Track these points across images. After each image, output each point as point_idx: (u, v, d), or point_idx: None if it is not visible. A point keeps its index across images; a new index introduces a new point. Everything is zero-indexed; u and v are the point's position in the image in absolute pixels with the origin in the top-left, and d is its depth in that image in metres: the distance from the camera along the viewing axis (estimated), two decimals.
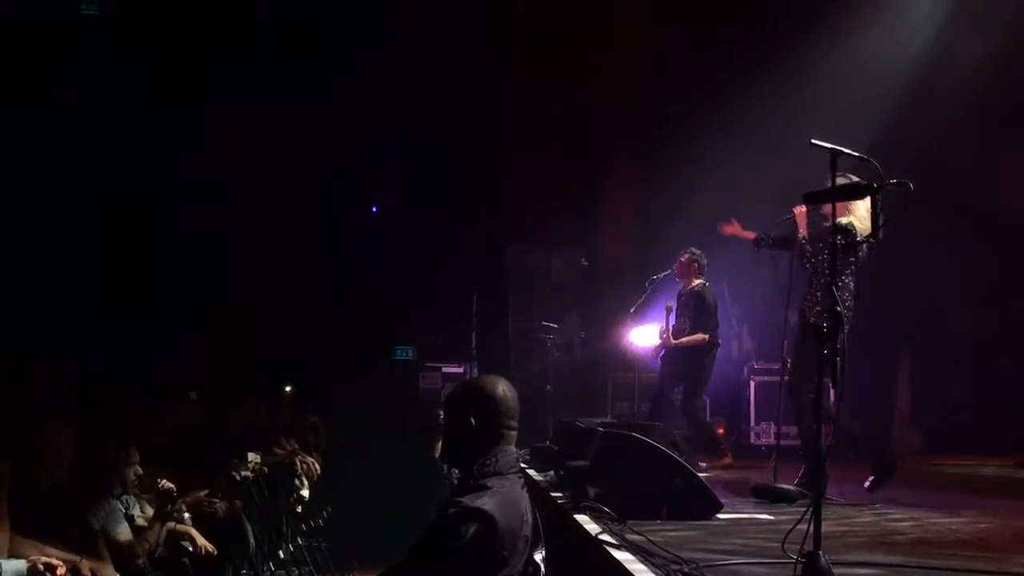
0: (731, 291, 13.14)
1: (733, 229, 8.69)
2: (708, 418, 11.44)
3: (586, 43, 14.38)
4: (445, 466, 13.14)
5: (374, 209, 15.80)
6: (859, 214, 7.49)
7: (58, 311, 11.92)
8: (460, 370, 15.26)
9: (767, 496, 7.38)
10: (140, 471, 6.76)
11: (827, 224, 7.65)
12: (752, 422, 12.87)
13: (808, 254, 7.66)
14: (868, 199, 7.43)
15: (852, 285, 7.62)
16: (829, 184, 4.41)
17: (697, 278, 10.43)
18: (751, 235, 8.50)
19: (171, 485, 6.72)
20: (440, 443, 13.36)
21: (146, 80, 13.92)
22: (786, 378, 8.30)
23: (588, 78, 14.62)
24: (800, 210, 7.78)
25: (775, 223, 8.25)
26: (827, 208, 7.62)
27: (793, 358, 8.16)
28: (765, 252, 8.58)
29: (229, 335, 13.86)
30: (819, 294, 7.56)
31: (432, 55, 14.62)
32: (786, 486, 7.53)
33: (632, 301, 10.58)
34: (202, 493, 7.53)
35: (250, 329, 14.09)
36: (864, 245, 7.48)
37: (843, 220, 7.55)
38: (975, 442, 12.11)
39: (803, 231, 7.74)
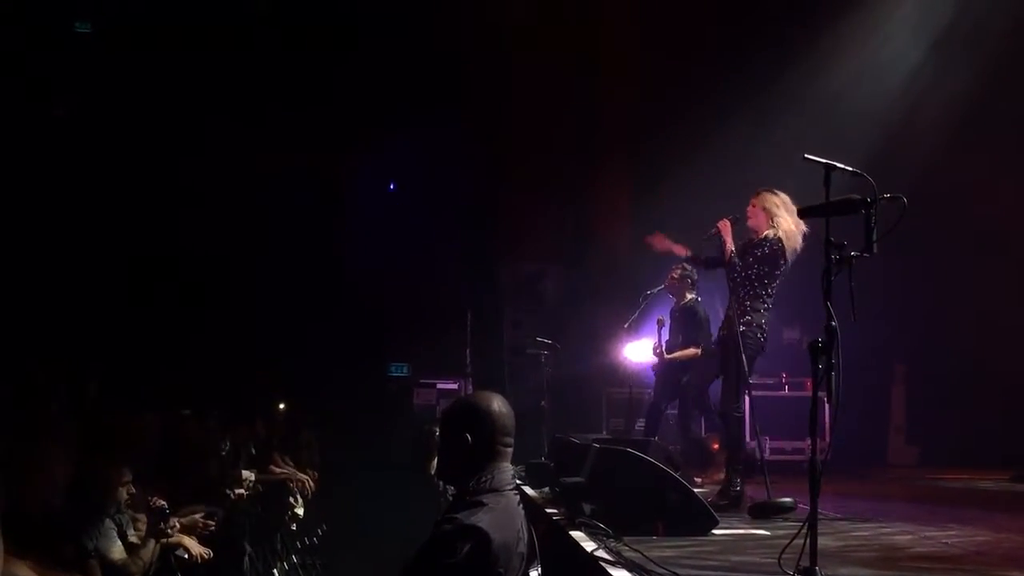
0: (724, 306, 13.13)
1: (661, 243, 8.67)
2: (703, 433, 11.43)
3: (579, 64, 14.44)
4: (440, 483, 13.14)
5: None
6: (785, 227, 7.59)
7: (53, 324, 11.89)
8: (455, 386, 15.24)
9: (765, 513, 7.36)
10: (133, 490, 6.73)
11: (754, 237, 7.76)
12: (747, 437, 12.82)
13: (738, 267, 7.75)
14: (787, 212, 7.65)
15: (773, 298, 7.75)
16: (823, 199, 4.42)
17: (689, 293, 10.44)
18: (682, 250, 8.52)
19: (163, 502, 6.70)
20: (435, 460, 13.40)
21: (141, 93, 13.93)
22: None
23: (581, 98, 14.66)
24: (725, 225, 7.87)
25: (703, 239, 8.32)
26: (751, 222, 7.77)
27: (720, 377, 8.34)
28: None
29: (223, 351, 13.83)
30: (748, 304, 7.63)
31: (429, 76, 14.67)
32: (782, 499, 7.53)
33: (626, 317, 10.59)
34: (198, 515, 7.48)
35: (245, 346, 14.05)
36: (787, 258, 7.61)
37: (769, 233, 7.64)
38: (970, 456, 12.12)
39: (730, 245, 7.87)
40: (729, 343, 7.80)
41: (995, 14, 11.87)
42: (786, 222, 7.70)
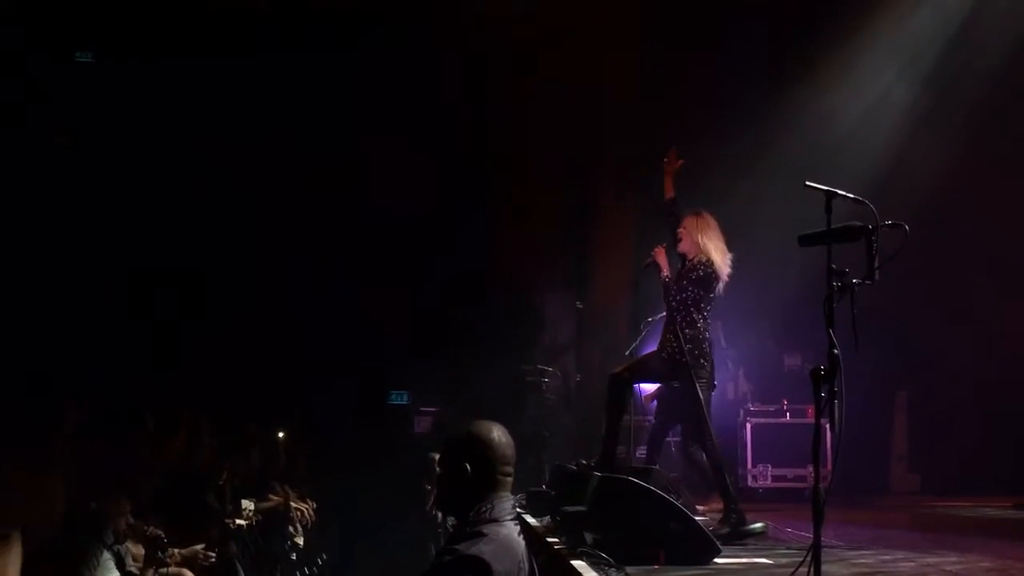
0: (726, 333, 13.13)
1: (661, 258, 8.57)
2: (705, 460, 11.38)
3: (580, 88, 14.47)
4: (439, 513, 13.11)
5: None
6: (713, 249, 7.62)
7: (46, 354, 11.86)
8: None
9: (734, 538, 7.36)
10: (132, 520, 6.71)
11: (689, 260, 7.77)
12: (749, 464, 12.80)
13: (673, 292, 7.77)
14: (714, 234, 7.69)
15: (708, 322, 7.76)
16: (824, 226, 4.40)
17: None
18: (671, 195, 8.43)
19: (159, 532, 6.68)
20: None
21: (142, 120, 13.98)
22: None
23: (581, 123, 14.69)
24: (660, 252, 7.96)
25: (641, 268, 8.37)
26: (681, 246, 7.80)
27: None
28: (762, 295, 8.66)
29: (221, 380, 13.80)
30: (686, 332, 7.64)
31: (426, 104, 14.70)
32: (752, 525, 7.57)
33: (627, 343, 10.56)
34: (198, 546, 7.45)
35: (243, 375, 14.01)
36: (718, 282, 7.65)
37: (701, 256, 7.66)
38: (972, 484, 12.09)
39: (666, 271, 7.96)
40: (680, 377, 7.77)
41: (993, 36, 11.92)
42: (714, 244, 7.75)
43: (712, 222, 7.90)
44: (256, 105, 14.37)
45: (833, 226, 4.35)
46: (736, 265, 8.00)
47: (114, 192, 13.73)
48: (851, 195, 4.43)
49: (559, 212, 15.29)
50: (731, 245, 8.09)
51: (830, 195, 4.40)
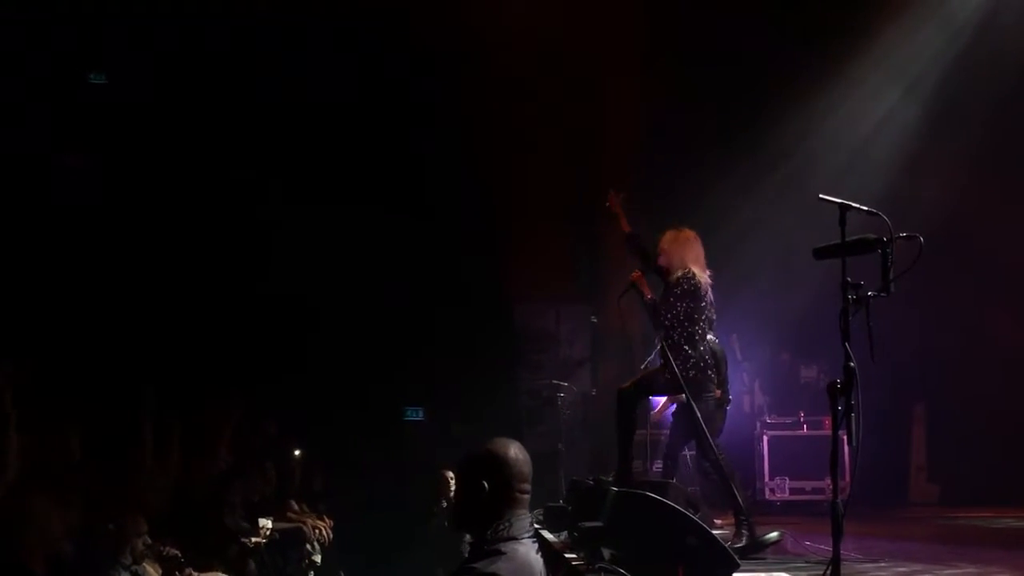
0: (741, 346, 13.11)
1: (615, 206, 8.47)
2: None
3: (590, 104, 14.51)
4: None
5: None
6: (692, 261, 7.60)
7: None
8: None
9: (754, 551, 7.34)
10: (149, 540, 6.72)
11: (671, 277, 7.73)
12: (766, 477, 12.76)
13: (663, 311, 7.72)
14: (694, 249, 7.68)
15: (707, 334, 7.73)
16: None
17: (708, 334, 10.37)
18: (626, 228, 8.37)
19: (176, 552, 6.69)
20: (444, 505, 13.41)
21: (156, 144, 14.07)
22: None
23: (592, 138, 14.72)
24: (638, 275, 7.91)
25: (619, 298, 8.32)
26: (662, 261, 7.76)
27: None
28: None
29: (235, 398, 13.82)
30: (685, 349, 7.59)
31: (435, 119, 14.76)
32: (767, 535, 7.55)
33: (642, 358, 10.54)
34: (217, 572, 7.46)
35: (257, 392, 14.03)
36: (707, 292, 7.62)
37: (681, 270, 7.63)
38: (991, 494, 12.04)
39: (649, 294, 7.87)
40: (681, 392, 7.74)
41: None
42: (692, 257, 7.72)
43: (690, 236, 7.87)
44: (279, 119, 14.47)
45: (848, 239, 4.34)
46: (751, 278, 8.00)
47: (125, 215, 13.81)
48: (865, 207, 4.42)
49: (572, 227, 15.29)
50: (744, 258, 8.10)
51: (844, 208, 4.40)
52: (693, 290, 7.67)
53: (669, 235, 7.93)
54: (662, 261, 7.90)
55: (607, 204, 8.13)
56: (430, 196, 15.04)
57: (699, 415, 7.57)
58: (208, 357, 14.20)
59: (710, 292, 7.79)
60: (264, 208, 14.11)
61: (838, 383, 4.11)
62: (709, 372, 7.75)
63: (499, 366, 14.99)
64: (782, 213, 11.78)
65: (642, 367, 10.05)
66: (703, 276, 7.74)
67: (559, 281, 14.95)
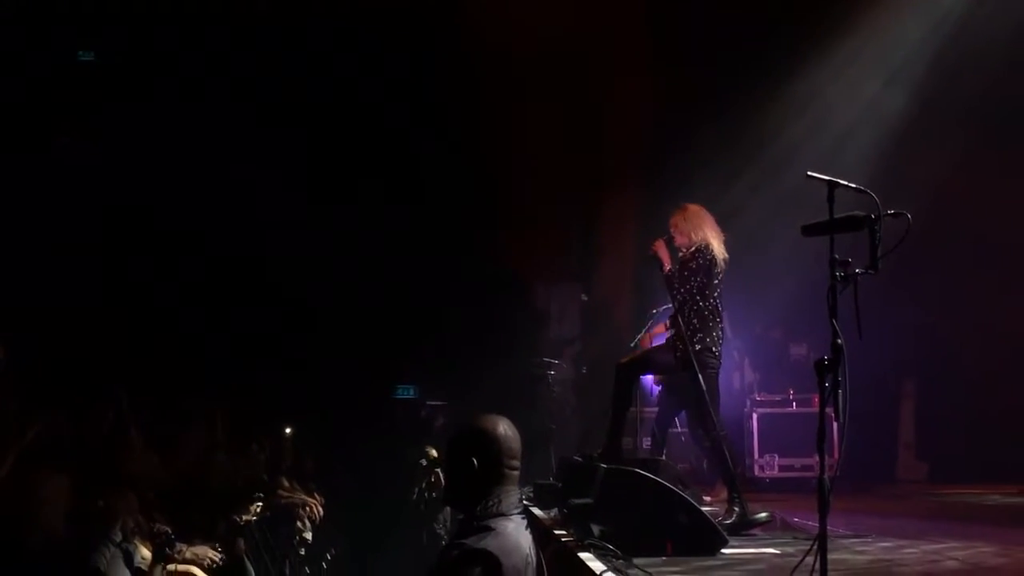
0: (731, 323, 13.13)
1: (662, 251, 8.47)
2: None
3: (584, 83, 14.50)
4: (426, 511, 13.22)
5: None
6: (707, 235, 7.62)
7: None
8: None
9: (741, 529, 7.40)
10: (140, 518, 6.73)
11: (684, 252, 7.76)
12: (756, 455, 12.80)
13: (676, 286, 7.76)
14: (705, 219, 7.69)
15: (720, 306, 7.75)
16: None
17: None
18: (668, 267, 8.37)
19: (166, 528, 6.69)
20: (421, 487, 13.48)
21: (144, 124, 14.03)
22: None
23: (586, 117, 14.71)
24: (661, 244, 7.92)
25: (644, 265, 8.33)
26: (677, 240, 7.78)
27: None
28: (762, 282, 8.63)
29: (227, 377, 13.83)
30: (695, 323, 7.64)
31: (431, 100, 14.74)
32: (757, 514, 7.60)
33: (632, 335, 10.56)
34: (208, 548, 7.45)
35: (248, 370, 14.04)
36: (719, 267, 7.65)
37: (698, 243, 7.66)
38: (980, 471, 12.10)
39: (668, 265, 7.86)
40: (689, 367, 7.77)
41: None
42: (707, 231, 7.74)
43: (697, 209, 7.89)
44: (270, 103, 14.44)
45: (836, 216, 4.35)
46: (741, 254, 8.01)
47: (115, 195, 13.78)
48: (853, 185, 4.43)
49: (564, 205, 15.29)
50: (736, 235, 8.10)
51: (832, 185, 4.41)
52: (707, 265, 7.70)
53: (676, 216, 7.93)
54: (678, 241, 7.91)
55: (652, 250, 8.03)
56: (422, 176, 15.03)
57: (703, 388, 7.59)
58: (200, 339, 14.22)
59: (721, 266, 7.80)
60: (259, 189, 14.05)
61: (825, 360, 4.13)
62: (714, 348, 7.78)
63: (490, 344, 14.99)
64: (773, 190, 11.78)
65: (631, 344, 10.11)
66: (719, 249, 7.76)
67: (550, 259, 14.95)
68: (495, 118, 14.51)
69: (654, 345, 8.45)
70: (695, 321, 7.69)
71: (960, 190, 12.35)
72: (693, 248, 7.77)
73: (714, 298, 7.81)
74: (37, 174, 12.97)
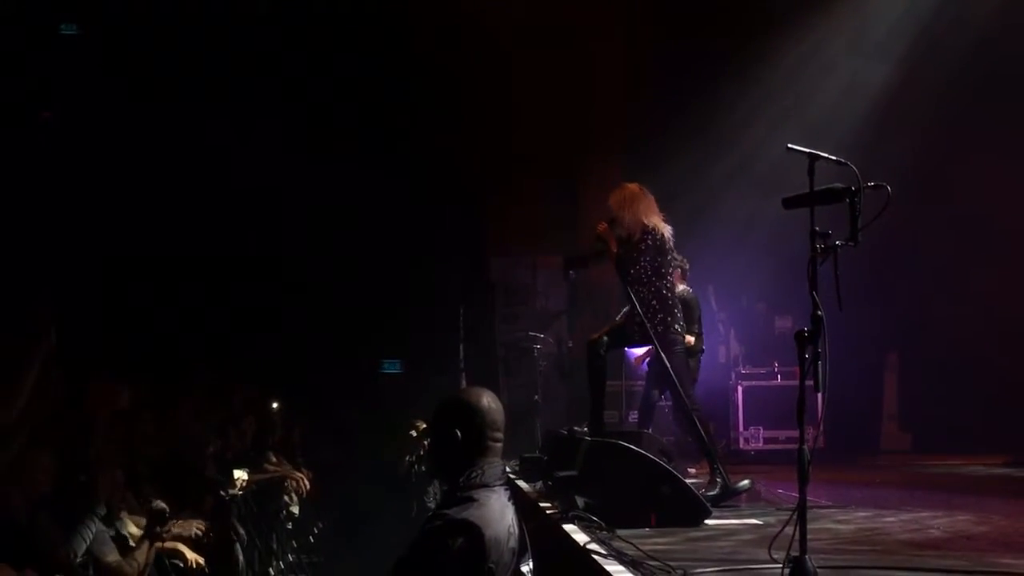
0: (717, 297, 13.18)
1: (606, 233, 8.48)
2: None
3: (568, 53, 14.47)
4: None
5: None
6: (653, 215, 7.63)
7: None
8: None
9: (723, 499, 7.45)
10: (129, 493, 6.74)
11: (632, 235, 7.72)
12: (741, 427, 12.88)
13: (627, 266, 7.74)
14: (642, 201, 7.67)
15: (675, 287, 7.81)
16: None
17: (680, 283, 10.39)
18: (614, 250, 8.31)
19: (164, 505, 6.70)
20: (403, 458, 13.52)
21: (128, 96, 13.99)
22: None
23: (570, 89, 14.68)
24: (604, 227, 7.84)
25: (589, 255, 8.40)
26: (625, 220, 7.73)
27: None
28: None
29: (214, 350, 13.83)
30: (654, 304, 7.66)
31: (416, 72, 14.69)
32: (739, 483, 7.66)
33: (618, 310, 10.58)
34: (196, 526, 7.46)
35: (235, 345, 14.04)
36: (671, 245, 7.72)
37: (646, 224, 7.64)
38: (963, 442, 12.18)
39: (615, 247, 7.81)
40: (652, 344, 7.80)
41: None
42: (651, 211, 7.72)
43: (635, 189, 7.83)
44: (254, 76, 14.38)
45: (816, 188, 4.36)
46: (727, 228, 8.04)
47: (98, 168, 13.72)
48: (833, 157, 4.44)
49: (548, 179, 15.28)
50: (721, 208, 8.12)
51: (813, 158, 4.42)
52: (658, 245, 7.68)
53: (615, 198, 7.84)
54: (621, 229, 7.82)
55: (598, 232, 8.02)
56: (408, 149, 14.99)
57: (671, 368, 7.62)
58: (185, 314, 14.21)
59: (671, 245, 7.81)
60: (240, 165, 13.99)
61: (805, 331, 4.16)
62: (677, 326, 7.79)
63: (476, 318, 15.01)
64: (756, 163, 11.81)
65: (617, 318, 10.11)
66: (664, 228, 7.75)
67: (536, 233, 14.94)
68: (479, 91, 14.49)
69: (621, 318, 8.45)
70: (654, 302, 7.68)
71: (941, 164, 12.40)
72: (639, 229, 7.72)
73: (670, 276, 7.82)
74: (22, 147, 12.91)
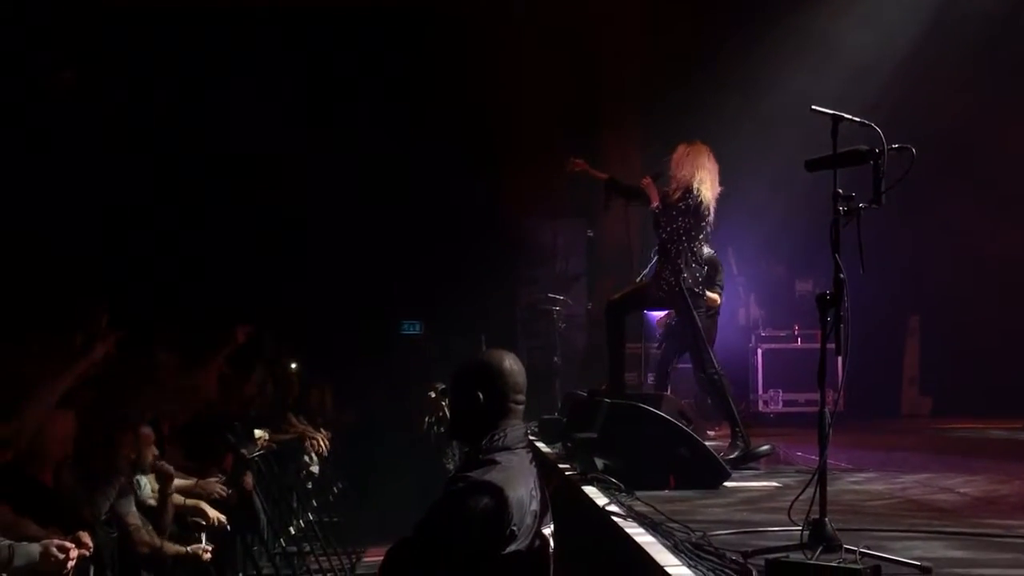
0: (737, 259, 13.12)
1: (582, 166, 8.61)
2: None
3: (584, 13, 14.39)
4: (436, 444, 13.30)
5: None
6: (705, 179, 7.59)
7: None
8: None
9: (743, 462, 7.46)
10: (156, 451, 6.79)
11: (677, 190, 7.72)
12: (760, 390, 12.87)
13: (662, 223, 7.76)
14: (710, 166, 7.65)
15: (703, 250, 7.78)
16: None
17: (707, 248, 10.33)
18: (603, 176, 8.44)
19: (169, 468, 6.76)
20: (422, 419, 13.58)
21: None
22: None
23: (589, 50, 14.60)
24: (648, 182, 7.89)
25: (604, 206, 8.62)
26: (676, 173, 7.73)
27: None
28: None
29: (233, 311, 13.87)
30: (680, 262, 7.65)
31: (432, 33, 14.65)
32: (760, 447, 7.68)
33: (638, 271, 10.55)
34: (219, 487, 7.51)
35: (255, 307, 14.08)
36: (709, 210, 7.63)
37: (693, 185, 7.61)
38: (983, 406, 12.15)
39: (656, 202, 7.84)
40: (677, 306, 7.79)
41: None
42: (705, 173, 7.70)
43: (704, 150, 7.83)
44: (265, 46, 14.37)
45: (840, 150, 4.32)
46: (748, 190, 8.00)
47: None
48: (857, 119, 4.40)
49: (567, 140, 15.22)
50: (742, 171, 8.07)
51: (836, 119, 4.37)
52: (695, 208, 7.67)
53: (682, 148, 7.87)
54: (676, 172, 7.85)
55: (573, 168, 8.11)
56: (427, 111, 14.94)
57: (696, 330, 7.63)
58: (206, 274, 14.25)
59: (711, 211, 7.79)
60: (263, 130, 14.00)
61: (827, 294, 4.13)
62: (699, 289, 7.80)
63: (496, 280, 15.00)
64: (780, 127, 11.71)
65: (636, 280, 10.07)
66: (708, 193, 7.72)
67: (556, 195, 14.89)
68: (498, 51, 14.41)
69: (643, 281, 8.45)
70: (679, 261, 7.68)
71: (971, 124, 12.29)
72: (683, 188, 7.72)
73: (700, 240, 7.80)
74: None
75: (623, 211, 8.63)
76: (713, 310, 9.90)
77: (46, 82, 13.23)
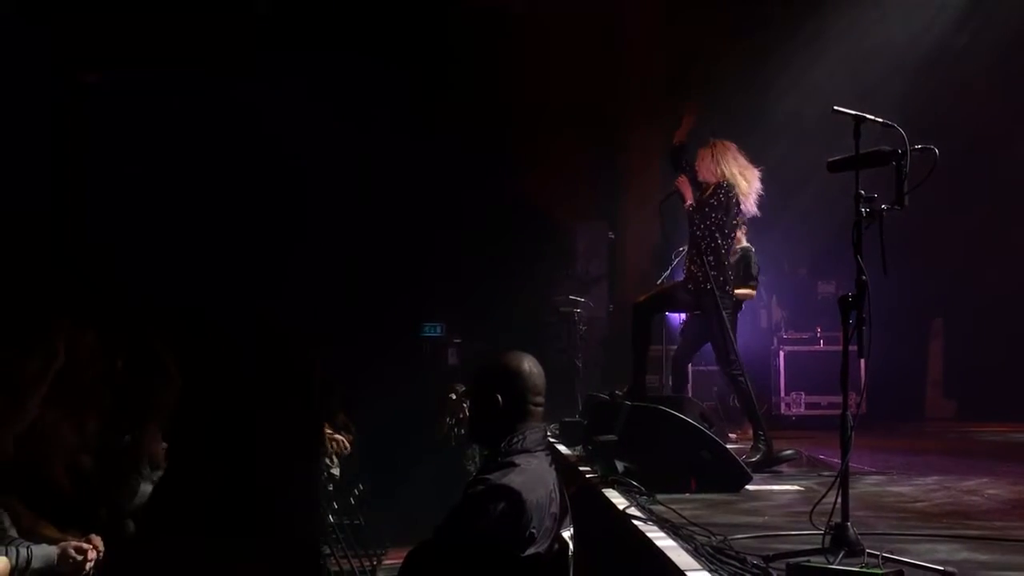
0: (758, 260, 13.08)
1: (693, 110, 8.49)
2: None
3: (608, 15, 14.37)
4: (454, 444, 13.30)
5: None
6: (732, 173, 7.59)
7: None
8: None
9: (766, 465, 7.42)
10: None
11: (709, 186, 7.74)
12: (782, 392, 12.82)
13: (696, 221, 7.77)
14: (738, 160, 7.65)
15: (737, 246, 7.80)
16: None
17: (742, 240, 10.25)
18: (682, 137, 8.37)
19: None
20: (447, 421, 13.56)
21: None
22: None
23: (611, 51, 14.58)
24: (683, 181, 7.94)
25: (662, 200, 8.52)
26: (703, 176, 7.77)
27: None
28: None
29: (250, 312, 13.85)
30: (711, 259, 7.65)
31: (454, 32, 14.65)
32: (784, 451, 7.64)
33: (659, 274, 10.53)
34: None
35: (275, 308, 14.08)
36: (739, 204, 7.70)
37: (721, 181, 7.64)
38: (1007, 409, 12.07)
39: (689, 200, 7.90)
40: (704, 304, 7.77)
41: None
42: (735, 167, 7.71)
43: (728, 145, 7.86)
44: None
45: (862, 151, 4.29)
46: (770, 191, 7.97)
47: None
48: (880, 119, 4.36)
49: (589, 142, 15.22)
50: (764, 172, 8.03)
51: (859, 120, 4.33)
52: (727, 203, 7.70)
53: (704, 149, 7.92)
54: (702, 175, 7.90)
55: (685, 109, 8.10)
56: (451, 113, 14.94)
57: (724, 330, 7.61)
58: (223, 273, 14.26)
59: (752, 200, 7.80)
60: (281, 123, 14.00)
61: (850, 296, 4.10)
62: (727, 287, 7.80)
63: (517, 282, 14.98)
64: (801, 126, 11.66)
65: (657, 283, 10.06)
66: (744, 184, 7.73)
67: (577, 197, 14.90)
68: (519, 50, 14.41)
69: (670, 283, 8.46)
70: (710, 257, 7.68)
71: (994, 128, 12.22)
72: (714, 185, 7.76)
73: (731, 238, 7.83)
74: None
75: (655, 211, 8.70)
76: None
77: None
